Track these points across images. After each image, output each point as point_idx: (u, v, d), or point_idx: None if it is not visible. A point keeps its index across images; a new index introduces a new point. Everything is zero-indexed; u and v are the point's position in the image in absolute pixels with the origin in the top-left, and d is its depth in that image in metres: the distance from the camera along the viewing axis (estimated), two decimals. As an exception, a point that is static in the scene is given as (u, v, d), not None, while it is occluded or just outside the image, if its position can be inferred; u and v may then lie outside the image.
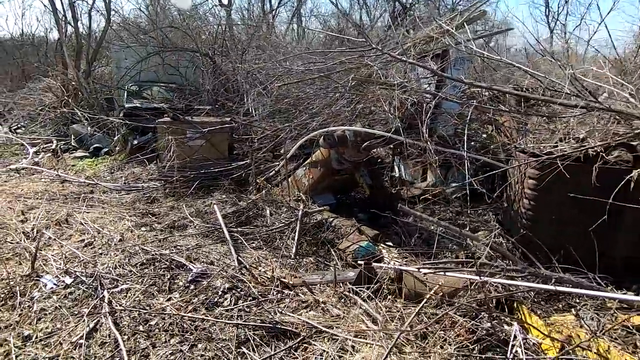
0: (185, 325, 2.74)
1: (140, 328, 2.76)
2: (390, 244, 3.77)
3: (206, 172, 5.75)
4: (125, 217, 4.75)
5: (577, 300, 2.79)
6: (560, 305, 2.81)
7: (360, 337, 2.30)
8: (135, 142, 7.20)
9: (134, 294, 3.16)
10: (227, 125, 6.13)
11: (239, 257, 3.60)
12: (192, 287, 3.28)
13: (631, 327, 2.33)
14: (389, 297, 2.82)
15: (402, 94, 3.71)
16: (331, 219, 4.25)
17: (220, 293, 3.12)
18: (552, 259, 3.15)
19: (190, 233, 4.29)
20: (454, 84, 4.87)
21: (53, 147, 9.09)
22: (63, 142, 9.52)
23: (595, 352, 2.17)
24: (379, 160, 5.89)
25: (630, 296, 2.32)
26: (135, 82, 10.55)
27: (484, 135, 5.32)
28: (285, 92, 5.85)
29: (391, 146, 4.24)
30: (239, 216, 4.49)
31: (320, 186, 4.74)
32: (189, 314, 2.81)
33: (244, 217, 4.44)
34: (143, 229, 4.48)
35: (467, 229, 3.80)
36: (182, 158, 5.85)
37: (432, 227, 3.64)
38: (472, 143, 5.22)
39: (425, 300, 2.50)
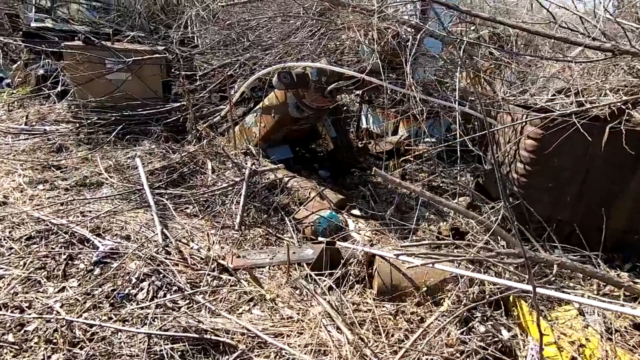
0: (77, 332, 1.97)
1: (10, 338, 1.94)
2: (357, 212, 3.12)
3: (132, 115, 4.62)
4: (18, 170, 3.64)
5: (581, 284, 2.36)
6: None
7: (321, 355, 1.67)
8: (41, 71, 5.69)
9: (9, 284, 2.28)
10: (159, 56, 4.88)
11: (165, 229, 2.78)
12: (96, 271, 2.46)
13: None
14: (357, 286, 2.21)
15: (382, 22, 2.83)
16: (287, 179, 3.49)
17: (134, 281, 2.34)
18: (545, 233, 2.70)
19: (104, 194, 3.34)
20: (437, 17, 4.03)
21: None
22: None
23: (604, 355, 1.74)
24: (345, 108, 5.08)
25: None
26: (45, -5, 8.46)
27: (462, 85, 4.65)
28: (232, 18, 4.67)
29: (361, 92, 3.42)
30: (171, 173, 3.57)
31: (274, 137, 3.89)
32: (83, 318, 2.02)
33: (176, 175, 3.54)
34: (40, 187, 3.44)
35: (447, 195, 3.24)
36: (100, 95, 4.64)
37: (408, 192, 3.02)
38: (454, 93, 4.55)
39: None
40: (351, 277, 2.26)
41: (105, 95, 4.60)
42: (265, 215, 3.14)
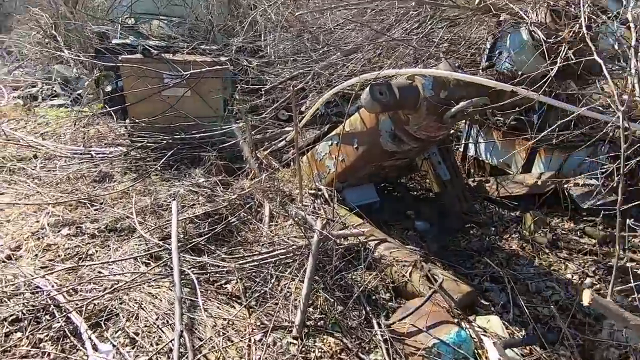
0: None
1: None
2: (497, 324, 1.80)
3: (186, 138, 3.90)
4: (48, 206, 3.05)
5: None
6: None
7: None
8: (109, 88, 5.39)
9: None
10: (220, 68, 4.13)
11: (187, 331, 1.80)
12: (77, 401, 1.56)
13: None
14: None
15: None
16: (373, 242, 2.33)
17: None
18: None
19: (130, 248, 2.52)
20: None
21: (33, 92, 7.63)
22: (48, 87, 7.99)
23: None
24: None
25: None
26: (130, 13, 8.69)
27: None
28: (305, 16, 3.71)
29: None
30: (215, 223, 2.64)
31: (356, 175, 2.76)
32: None
33: (221, 227, 2.59)
34: (64, 231, 2.77)
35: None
36: (155, 114, 4.01)
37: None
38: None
39: None
40: None
41: (159, 115, 3.96)
42: (341, 308, 2.00)
